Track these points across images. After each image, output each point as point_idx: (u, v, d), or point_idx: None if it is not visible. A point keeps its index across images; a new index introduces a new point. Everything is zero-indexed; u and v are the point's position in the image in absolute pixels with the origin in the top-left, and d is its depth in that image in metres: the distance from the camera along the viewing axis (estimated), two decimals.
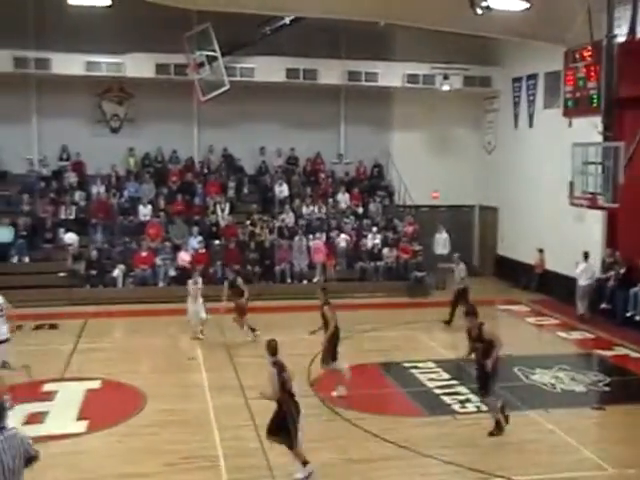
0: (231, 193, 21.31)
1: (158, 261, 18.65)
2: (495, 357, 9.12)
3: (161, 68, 20.31)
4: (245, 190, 21.82)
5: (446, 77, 21.52)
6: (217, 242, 19.66)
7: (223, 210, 20.55)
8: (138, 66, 20.24)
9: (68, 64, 19.91)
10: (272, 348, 8.21)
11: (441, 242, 20.79)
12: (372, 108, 22.60)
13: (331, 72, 21.33)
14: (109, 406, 10.74)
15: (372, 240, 20.42)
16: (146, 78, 20.48)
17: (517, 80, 21.57)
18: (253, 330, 14.08)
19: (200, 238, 19.37)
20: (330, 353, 10.79)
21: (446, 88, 21.66)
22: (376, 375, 12.44)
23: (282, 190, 21.54)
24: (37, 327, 15.33)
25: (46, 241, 18.98)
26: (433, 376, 12.09)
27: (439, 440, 9.43)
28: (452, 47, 20.49)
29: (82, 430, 9.69)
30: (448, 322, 15.59)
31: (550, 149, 19.31)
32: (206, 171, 21.89)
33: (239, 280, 14.83)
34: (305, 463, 8.06)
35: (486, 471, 8.42)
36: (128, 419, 10.04)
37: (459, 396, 11.05)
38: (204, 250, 19.17)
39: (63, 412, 10.35)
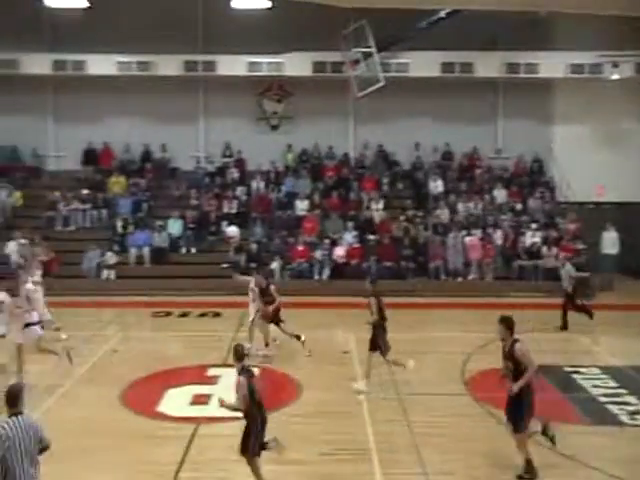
0: (385, 189, 21.40)
1: (318, 255, 19.04)
2: (525, 383, 7.71)
3: (318, 66, 20.82)
4: (399, 186, 21.81)
5: (615, 65, 20.22)
6: (372, 237, 19.81)
7: (378, 208, 20.67)
8: (296, 65, 20.89)
9: (232, 65, 20.99)
10: (239, 354, 7.73)
11: (610, 241, 19.62)
12: (532, 100, 21.74)
13: (488, 64, 20.77)
14: (267, 393, 11.11)
15: (531, 238, 19.64)
16: (304, 76, 21.08)
17: None
18: (298, 338, 13.20)
19: (355, 233, 19.64)
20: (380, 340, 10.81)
21: (615, 77, 20.36)
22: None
23: (437, 186, 21.30)
24: (202, 314, 16.24)
25: (211, 233, 20.10)
26: (598, 383, 11.43)
27: (605, 452, 8.88)
28: (622, 32, 19.15)
29: (242, 414, 10.13)
30: (562, 327, 14.87)
31: None
32: (361, 167, 22.13)
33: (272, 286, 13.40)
34: None
35: None
36: (285, 406, 10.37)
37: (628, 406, 10.36)
38: (358, 245, 19.40)
39: (225, 396, 10.87)
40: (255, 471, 7.63)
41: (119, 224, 19.98)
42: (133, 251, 19.24)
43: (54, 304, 16.98)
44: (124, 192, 21.12)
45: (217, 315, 16.34)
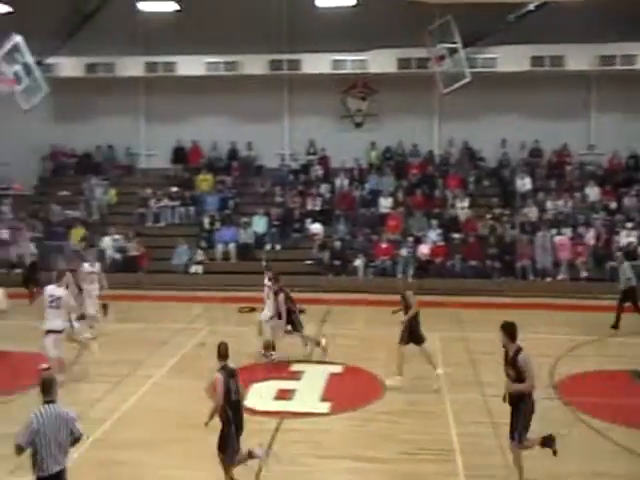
0: (471, 187, 21.04)
1: (404, 252, 18.92)
2: (521, 392, 7.32)
3: (403, 63, 20.67)
4: (485, 183, 21.39)
5: None
6: (456, 236, 19.53)
7: (463, 206, 20.35)
8: (381, 62, 20.82)
9: (316, 63, 21.14)
10: (221, 352, 7.58)
11: None
12: (628, 94, 20.80)
13: (580, 57, 20.07)
14: (350, 390, 11.22)
15: (626, 237, 18.84)
16: (388, 73, 20.98)
17: None
18: (318, 344, 12.76)
19: (439, 231, 19.41)
20: (406, 333, 11.05)
21: None
22: (625, 383, 11.49)
23: (524, 183, 20.75)
24: None
25: (295, 230, 20.34)
26: None
27: None
28: None
29: (325, 410, 10.24)
30: (615, 326, 14.23)
31: None
32: (446, 164, 21.84)
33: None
34: None
35: None
36: (368, 405, 10.40)
37: None
38: (443, 243, 19.17)
39: (308, 392, 11.03)
40: (227, 474, 7.51)
41: (206, 221, 20.52)
42: (220, 247, 19.72)
43: (144, 298, 17.77)
44: (211, 189, 21.67)
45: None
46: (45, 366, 11.54)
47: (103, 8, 16.94)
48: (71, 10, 16.91)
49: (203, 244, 19.89)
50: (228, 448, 7.38)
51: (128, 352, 12.67)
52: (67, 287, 11.75)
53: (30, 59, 17.16)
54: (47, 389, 6.04)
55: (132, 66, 21.85)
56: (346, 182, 21.52)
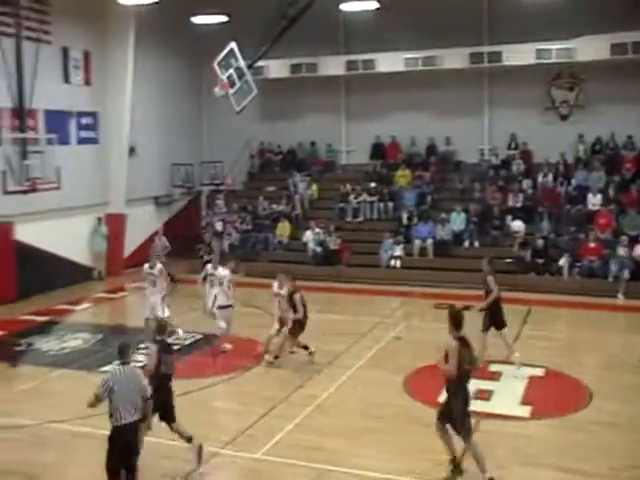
0: None
1: (621, 252, 17.38)
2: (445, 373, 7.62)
3: (617, 48, 19.16)
4: None
5: None
6: None
7: None
8: (590, 49, 19.50)
9: (518, 54, 20.32)
10: (160, 327, 8.27)
11: None
12: None
13: None
14: (552, 396, 10.70)
15: None
16: (599, 60, 19.60)
17: None
18: (306, 348, 12.11)
19: None
20: (487, 319, 11.42)
21: None
22: None
23: None
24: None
25: (494, 227, 19.76)
26: None
27: None
28: None
29: (525, 415, 9.86)
30: None
31: None
32: None
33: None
34: None
35: None
36: (572, 413, 9.85)
37: None
38: None
39: (507, 394, 10.69)
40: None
41: (404, 216, 20.62)
42: (417, 243, 19.72)
43: (343, 290, 18.30)
44: (409, 185, 21.73)
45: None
46: (228, 346, 12.53)
47: (307, 11, 17.62)
48: (278, 15, 17.80)
49: (401, 239, 20.02)
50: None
51: (328, 342, 13.12)
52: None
53: (242, 63, 18.32)
54: (122, 352, 7.13)
55: (333, 65, 22.53)
56: (550, 178, 20.47)
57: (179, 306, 14.66)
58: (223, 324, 12.52)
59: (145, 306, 12.85)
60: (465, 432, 7.67)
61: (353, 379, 11.38)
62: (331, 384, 10.99)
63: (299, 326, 11.83)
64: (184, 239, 21.09)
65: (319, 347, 12.35)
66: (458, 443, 7.88)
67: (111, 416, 6.92)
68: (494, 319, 11.51)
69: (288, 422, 9.49)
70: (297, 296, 11.78)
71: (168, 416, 8.04)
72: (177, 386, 10.60)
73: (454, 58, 21.05)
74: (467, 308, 14.83)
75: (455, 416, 7.66)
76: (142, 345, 11.74)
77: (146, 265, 13.02)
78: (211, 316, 12.81)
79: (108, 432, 6.99)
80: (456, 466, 7.85)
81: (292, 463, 8.31)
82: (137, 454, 7.10)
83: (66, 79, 19.22)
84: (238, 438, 9.03)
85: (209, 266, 12.91)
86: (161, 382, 7.92)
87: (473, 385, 10.68)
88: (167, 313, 12.39)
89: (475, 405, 10.04)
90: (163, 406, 7.92)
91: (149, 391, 7.22)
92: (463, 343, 7.70)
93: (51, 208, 17.82)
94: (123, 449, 6.91)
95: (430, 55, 21.20)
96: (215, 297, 12.54)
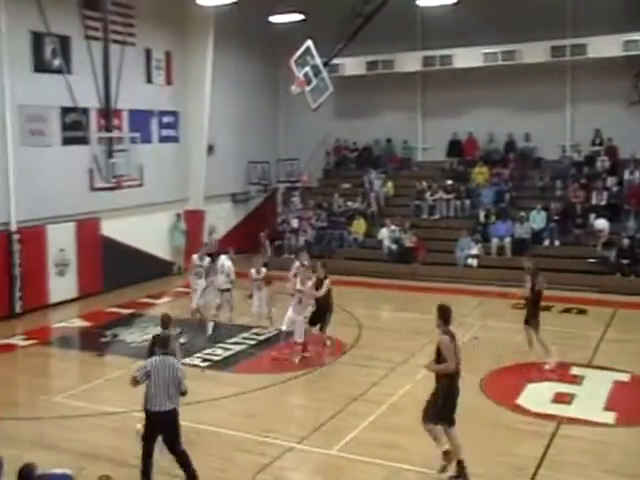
0: None
1: None
2: (437, 371, 7.78)
3: None
4: None
5: None
6: None
7: None
8: None
9: (604, 47, 19.59)
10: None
11: None
12: None
13: None
14: (638, 402, 10.28)
15: None
16: None
17: None
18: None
19: None
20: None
21: None
22: None
23: None
24: (565, 310, 15.59)
25: (576, 226, 19.13)
26: None
27: None
28: None
29: (609, 421, 9.50)
30: None
31: None
32: None
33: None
34: None
35: None
36: None
37: None
38: None
39: (589, 399, 10.34)
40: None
41: (481, 214, 20.24)
42: (494, 241, 19.33)
43: (419, 289, 18.12)
44: (487, 182, 21.31)
45: (582, 312, 15.54)
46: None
47: (383, 8, 17.53)
48: (354, 13, 17.77)
49: (478, 237, 19.67)
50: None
51: (403, 341, 13.04)
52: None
53: (319, 61, 18.40)
54: (163, 345, 7.63)
55: (410, 61, 22.32)
56: (637, 175, 19.63)
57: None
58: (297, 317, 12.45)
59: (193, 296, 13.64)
60: (438, 419, 7.71)
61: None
62: (406, 383, 10.91)
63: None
64: (263, 236, 21.39)
65: (396, 345, 12.28)
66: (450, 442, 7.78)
67: (145, 400, 7.30)
68: (529, 314, 11.82)
69: (363, 419, 9.49)
70: (327, 281, 12.22)
71: None
72: (253, 381, 10.80)
73: (535, 52, 20.48)
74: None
75: (438, 409, 7.71)
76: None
77: (195, 257, 13.73)
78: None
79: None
80: (459, 463, 7.79)
81: (366, 460, 8.31)
82: (176, 439, 7.36)
83: (149, 79, 19.82)
84: (313, 434, 9.10)
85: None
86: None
87: (551, 389, 10.52)
88: (202, 302, 13.51)
89: (555, 409, 9.86)
90: None
91: (185, 385, 7.39)
92: (452, 337, 7.80)
93: (134, 204, 18.42)
94: (159, 433, 7.32)
95: (510, 49, 20.69)
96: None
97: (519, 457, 8.34)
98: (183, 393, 7.41)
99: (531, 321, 11.79)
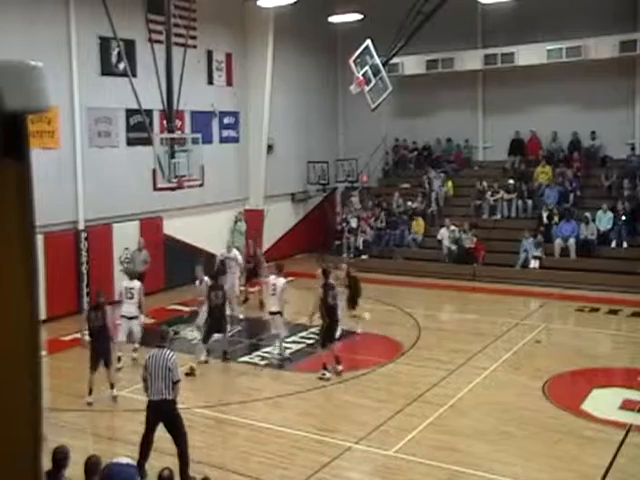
0: None
1: None
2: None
3: None
4: None
5: None
6: None
7: None
8: None
9: None
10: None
11: None
12: None
13: None
14: None
15: None
16: None
17: None
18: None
19: None
20: None
21: None
22: None
23: None
24: (634, 314, 14.93)
25: None
26: None
27: None
28: None
29: None
30: None
31: None
32: None
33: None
34: None
35: None
36: None
37: None
38: None
39: None
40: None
41: (544, 214, 19.78)
42: (558, 242, 18.86)
43: (479, 290, 17.85)
44: (550, 182, 20.81)
45: None
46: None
47: (442, 5, 17.32)
48: (413, 12, 17.62)
49: (541, 238, 19.22)
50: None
51: (463, 342, 12.86)
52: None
53: (378, 60, 18.31)
54: (161, 338, 8.18)
55: (470, 59, 21.99)
56: None
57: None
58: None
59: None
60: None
61: (489, 381, 11.07)
62: (466, 385, 10.76)
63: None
64: (320, 235, 21.47)
65: (457, 347, 12.13)
66: None
67: (146, 391, 7.89)
68: None
69: (421, 420, 9.41)
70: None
71: None
72: (310, 380, 10.84)
73: (601, 47, 19.87)
74: None
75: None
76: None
77: (223, 250, 15.74)
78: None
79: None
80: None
81: (424, 462, 8.23)
82: (178, 426, 7.76)
83: (210, 81, 20.12)
84: (372, 434, 9.06)
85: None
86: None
87: (618, 395, 10.16)
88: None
89: (623, 415, 9.54)
90: None
91: (178, 375, 7.92)
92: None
93: (195, 204, 18.74)
94: (158, 420, 7.75)
95: (575, 45, 20.13)
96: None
97: (585, 465, 8.11)
98: (175, 382, 7.83)
99: None
